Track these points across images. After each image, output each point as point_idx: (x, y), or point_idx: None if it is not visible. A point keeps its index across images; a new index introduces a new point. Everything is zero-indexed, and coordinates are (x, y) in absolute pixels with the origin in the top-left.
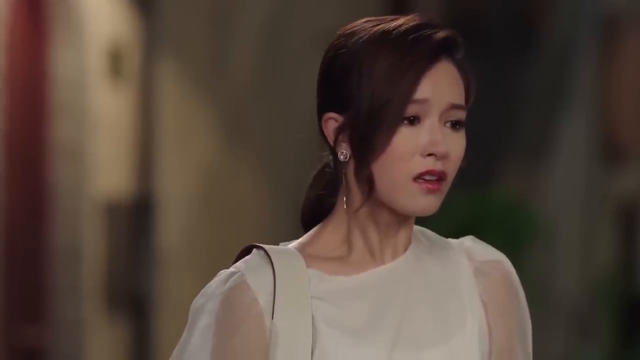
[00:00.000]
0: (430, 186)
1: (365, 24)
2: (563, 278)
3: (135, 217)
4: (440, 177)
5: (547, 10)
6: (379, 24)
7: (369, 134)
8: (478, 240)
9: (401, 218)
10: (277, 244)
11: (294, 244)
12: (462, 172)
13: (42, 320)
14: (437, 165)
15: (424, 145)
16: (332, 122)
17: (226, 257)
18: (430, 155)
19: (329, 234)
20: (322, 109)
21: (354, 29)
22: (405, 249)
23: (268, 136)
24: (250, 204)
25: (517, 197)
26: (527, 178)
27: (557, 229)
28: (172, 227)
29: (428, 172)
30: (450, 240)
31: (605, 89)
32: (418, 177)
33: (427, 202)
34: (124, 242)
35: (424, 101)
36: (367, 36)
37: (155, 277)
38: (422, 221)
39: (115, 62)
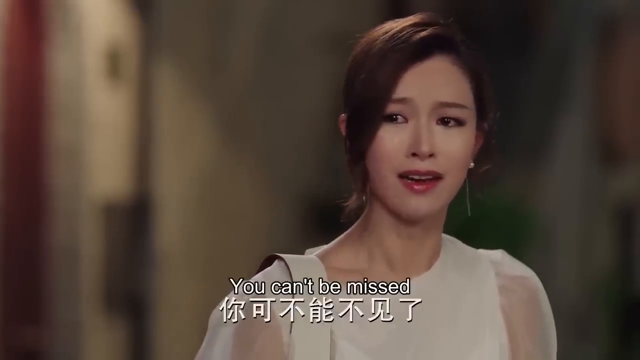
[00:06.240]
0: (416, 187)
1: (376, 27)
2: (561, 279)
3: (133, 218)
4: (432, 176)
5: (545, 11)
6: (383, 27)
7: (356, 133)
8: (507, 254)
9: (410, 224)
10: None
11: (320, 251)
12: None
13: (39, 322)
14: (423, 166)
15: (407, 144)
16: (344, 123)
17: (224, 258)
18: (414, 155)
19: (353, 241)
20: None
21: (368, 33)
22: (431, 263)
23: (266, 137)
24: (249, 205)
25: (515, 197)
26: (525, 179)
27: (555, 230)
28: (170, 228)
29: (413, 172)
30: (480, 251)
31: (604, 90)
32: (403, 176)
33: (417, 204)
34: (121, 243)
35: (406, 100)
36: (369, 40)
37: (153, 278)
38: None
39: (113, 62)
